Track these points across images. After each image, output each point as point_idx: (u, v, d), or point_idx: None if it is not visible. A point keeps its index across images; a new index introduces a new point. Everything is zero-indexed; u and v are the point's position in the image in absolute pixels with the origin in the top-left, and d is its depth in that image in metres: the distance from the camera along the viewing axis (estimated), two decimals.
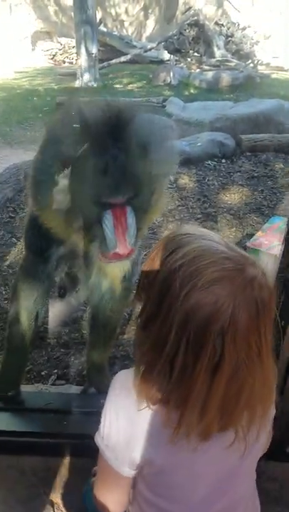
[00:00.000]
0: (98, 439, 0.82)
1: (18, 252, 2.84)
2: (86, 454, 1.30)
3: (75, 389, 1.77)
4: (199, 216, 3.20)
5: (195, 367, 0.64)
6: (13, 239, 2.98)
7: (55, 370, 2.02)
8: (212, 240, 0.68)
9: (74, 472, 1.32)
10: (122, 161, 1.05)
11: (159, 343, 0.67)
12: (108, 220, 1.08)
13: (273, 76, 9.06)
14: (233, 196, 3.44)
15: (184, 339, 0.63)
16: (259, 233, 2.15)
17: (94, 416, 1.32)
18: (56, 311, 2.35)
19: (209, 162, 3.98)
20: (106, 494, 0.85)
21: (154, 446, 0.75)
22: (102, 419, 0.81)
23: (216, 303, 0.62)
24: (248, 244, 2.10)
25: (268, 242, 1.99)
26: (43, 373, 2.02)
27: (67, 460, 1.33)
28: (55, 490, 1.25)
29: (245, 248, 2.41)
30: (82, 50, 8.57)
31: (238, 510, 0.85)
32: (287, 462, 1.31)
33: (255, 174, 3.75)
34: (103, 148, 1.05)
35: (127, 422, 0.76)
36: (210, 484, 0.80)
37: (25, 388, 1.79)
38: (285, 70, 9.91)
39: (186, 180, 3.69)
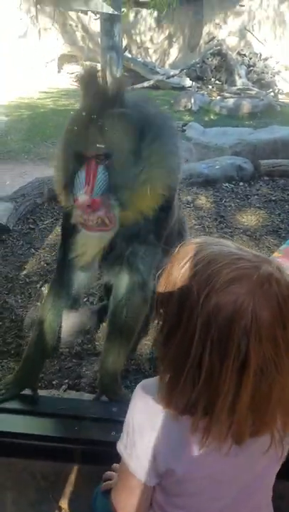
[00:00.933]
0: (121, 448, 0.81)
1: (35, 262, 2.89)
2: (95, 460, 1.30)
3: (87, 396, 1.77)
4: (216, 236, 3.22)
5: (222, 368, 0.63)
6: (32, 249, 3.04)
7: (66, 380, 2.03)
8: (223, 245, 0.70)
9: (82, 479, 1.31)
10: (101, 123, 1.25)
11: (183, 351, 0.66)
12: (81, 170, 1.27)
13: None
14: (250, 218, 3.46)
15: (208, 342, 0.63)
16: (276, 254, 2.16)
17: (105, 423, 1.33)
18: (70, 321, 2.38)
19: (227, 184, 4.02)
20: (126, 501, 0.84)
21: (178, 455, 0.74)
22: (124, 428, 0.80)
23: (236, 301, 0.62)
24: None
25: (284, 263, 1.99)
26: (54, 382, 2.02)
27: (76, 466, 1.33)
28: (63, 495, 1.24)
29: None
30: (107, 74, 8.82)
31: None
32: None
33: (273, 198, 3.77)
34: (91, 111, 1.27)
35: (152, 432, 0.75)
36: (231, 493, 0.78)
37: (39, 393, 1.80)
38: None
39: (203, 201, 3.73)
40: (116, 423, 1.30)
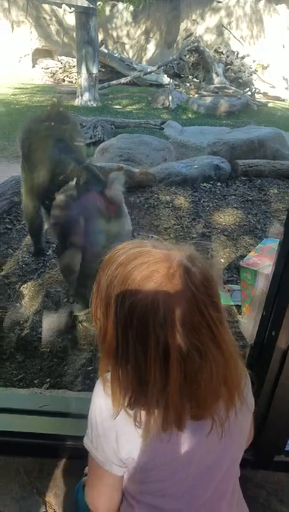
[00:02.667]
0: (87, 442, 0.85)
1: (13, 262, 2.88)
2: (78, 455, 1.33)
3: (69, 393, 1.80)
4: (194, 236, 3.28)
5: (146, 360, 0.67)
6: (10, 250, 3.03)
7: (48, 379, 2.05)
8: (139, 246, 0.74)
9: (67, 473, 1.35)
10: None
11: (112, 349, 0.72)
12: None
13: (270, 105, 9.34)
14: (228, 218, 3.53)
15: (130, 340, 0.68)
16: (252, 253, 2.22)
17: (86, 419, 1.37)
18: (50, 321, 2.40)
19: (205, 184, 4.09)
20: (98, 493, 0.89)
21: (135, 445, 0.78)
22: (88, 422, 0.84)
23: (147, 298, 0.66)
24: (241, 263, 2.17)
25: (260, 262, 2.06)
26: (35, 381, 2.05)
27: (60, 461, 1.36)
28: (48, 490, 1.27)
29: (238, 267, 2.48)
30: (83, 69, 8.74)
31: (221, 505, 0.87)
32: (274, 471, 1.35)
33: (250, 198, 3.86)
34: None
35: (109, 425, 0.79)
36: (193, 476, 0.83)
37: (21, 391, 1.82)
38: (282, 100, 10.24)
39: (182, 201, 3.79)
40: None
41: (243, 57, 10.90)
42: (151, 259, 0.69)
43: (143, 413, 0.74)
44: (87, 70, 8.73)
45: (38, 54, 12.21)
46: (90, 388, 1.99)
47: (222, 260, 2.95)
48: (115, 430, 0.79)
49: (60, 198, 2.13)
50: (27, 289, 2.62)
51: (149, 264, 0.68)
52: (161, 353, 0.66)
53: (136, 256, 0.70)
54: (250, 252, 2.48)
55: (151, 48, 13.70)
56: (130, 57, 12.86)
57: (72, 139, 2.26)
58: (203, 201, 3.80)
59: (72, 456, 1.35)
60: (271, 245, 2.22)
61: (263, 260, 2.07)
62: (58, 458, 1.36)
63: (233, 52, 11.06)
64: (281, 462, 1.37)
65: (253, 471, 1.32)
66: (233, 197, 3.88)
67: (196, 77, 10.36)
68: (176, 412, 0.72)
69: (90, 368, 2.14)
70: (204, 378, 0.70)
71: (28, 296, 2.56)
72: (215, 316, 0.68)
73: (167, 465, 0.81)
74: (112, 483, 0.86)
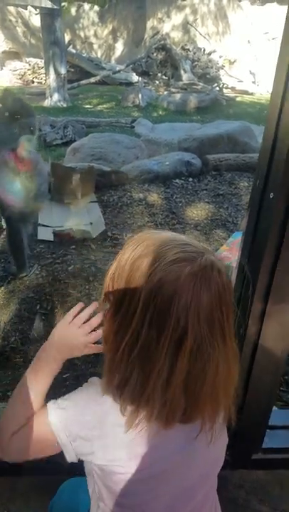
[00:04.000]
0: (51, 405, 0.78)
1: None
2: (50, 472, 1.28)
3: None
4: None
5: (158, 342, 0.65)
6: None
7: None
8: (174, 234, 0.72)
9: (39, 491, 1.30)
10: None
11: (124, 326, 0.68)
12: None
13: (238, 99, 9.42)
14: (200, 213, 3.53)
15: (148, 316, 0.65)
16: (223, 247, 2.22)
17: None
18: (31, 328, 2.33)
19: (177, 180, 4.08)
20: (25, 446, 0.79)
21: (113, 442, 0.73)
22: (67, 397, 0.79)
23: (179, 279, 0.64)
24: None
25: (231, 255, 2.05)
26: (8, 393, 1.98)
27: (32, 479, 1.31)
28: (20, 509, 1.22)
29: None
30: (51, 70, 8.64)
31: None
32: (252, 469, 1.33)
33: (221, 192, 3.87)
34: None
35: (92, 414, 0.74)
36: (173, 486, 0.78)
37: None
38: (250, 94, 10.34)
39: (154, 198, 3.76)
40: None
41: (209, 54, 10.96)
42: (188, 247, 0.68)
43: (132, 404, 0.69)
44: (56, 70, 8.62)
45: (6, 56, 12.02)
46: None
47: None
48: (97, 422, 0.73)
49: None
50: None
51: (184, 249, 0.67)
52: (176, 338, 0.64)
53: (172, 240, 0.69)
54: (222, 245, 2.47)
55: (119, 47, 13.66)
56: (99, 56, 12.79)
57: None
58: (176, 197, 3.78)
59: (47, 473, 1.30)
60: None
61: (234, 254, 2.07)
62: (31, 476, 1.30)
63: (200, 48, 11.12)
64: (259, 460, 1.35)
65: (232, 471, 1.30)
66: (205, 192, 3.88)
67: (165, 75, 10.36)
68: (171, 406, 0.69)
69: (66, 375, 2.09)
70: (208, 377, 0.68)
71: None
72: (230, 321, 0.69)
73: (145, 472, 0.75)
74: (47, 446, 0.77)
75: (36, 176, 2.45)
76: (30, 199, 2.44)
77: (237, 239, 2.25)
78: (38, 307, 2.47)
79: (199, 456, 0.78)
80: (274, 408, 1.38)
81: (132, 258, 0.68)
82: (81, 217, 3.33)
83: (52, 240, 3.08)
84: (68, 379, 2.04)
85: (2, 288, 2.60)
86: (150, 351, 0.66)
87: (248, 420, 1.22)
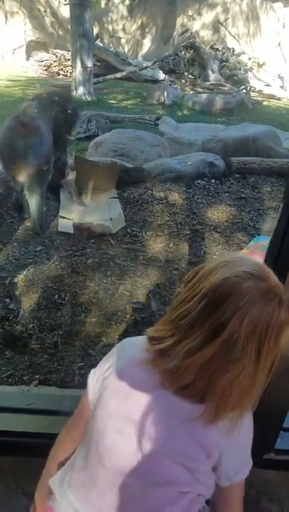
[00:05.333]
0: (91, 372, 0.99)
1: (3, 257, 2.85)
2: None
3: (58, 390, 1.78)
4: (187, 232, 3.27)
5: (205, 320, 0.76)
6: None
7: (37, 376, 2.03)
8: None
9: None
10: None
11: (185, 301, 0.80)
12: None
13: (265, 103, 9.33)
14: (221, 215, 3.52)
15: (205, 299, 0.76)
16: (244, 250, 2.22)
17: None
18: None
19: (199, 181, 4.07)
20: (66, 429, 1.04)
21: (125, 354, 0.90)
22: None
23: (242, 284, 0.75)
24: None
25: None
26: (24, 378, 2.03)
27: (43, 460, 1.34)
28: (32, 488, 1.25)
29: None
30: (78, 62, 8.63)
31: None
32: (263, 469, 1.35)
33: (243, 195, 3.85)
34: None
35: (118, 352, 0.93)
36: (134, 435, 0.83)
37: (8, 389, 1.79)
38: (277, 99, 10.23)
39: (175, 197, 3.77)
40: None
41: (238, 55, 10.87)
42: (267, 274, 0.78)
43: (159, 349, 0.82)
44: (82, 63, 8.62)
45: (33, 46, 12.05)
46: (80, 385, 1.98)
47: (215, 257, 2.94)
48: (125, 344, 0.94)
49: None
50: (17, 284, 2.59)
51: (263, 272, 0.78)
52: (215, 327, 0.75)
53: (256, 264, 0.81)
54: (242, 249, 2.47)
55: (146, 43, 13.61)
56: (126, 51, 12.77)
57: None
58: (197, 198, 3.78)
59: None
60: (263, 243, 2.22)
61: (254, 258, 2.06)
62: (44, 457, 1.33)
63: (229, 49, 11.02)
64: (270, 460, 1.36)
65: None
66: (227, 194, 3.87)
67: (192, 74, 10.31)
68: (179, 373, 0.78)
69: (81, 364, 2.12)
70: (227, 375, 0.76)
71: (18, 292, 2.53)
72: (270, 344, 0.76)
73: (122, 414, 0.85)
74: (79, 410, 1.00)
75: (33, 138, 2.90)
76: (28, 157, 2.88)
77: (258, 243, 2.25)
78: (56, 297, 2.51)
79: (176, 430, 0.83)
80: None
81: (221, 260, 0.81)
82: (102, 212, 3.36)
83: (72, 232, 3.12)
84: (83, 368, 2.08)
85: (22, 276, 2.65)
86: (195, 326, 0.77)
87: (262, 421, 1.23)
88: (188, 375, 0.78)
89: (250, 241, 2.77)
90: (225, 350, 0.75)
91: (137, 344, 0.90)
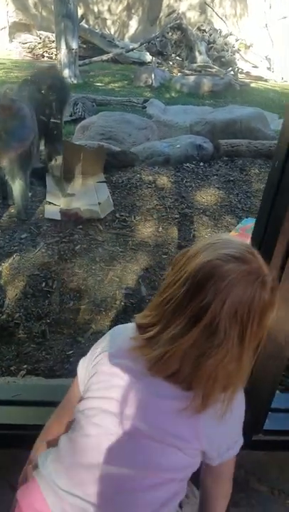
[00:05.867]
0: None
1: None
2: None
3: (44, 381, 1.75)
4: (176, 216, 3.22)
5: (187, 305, 0.75)
6: None
7: (25, 366, 1.99)
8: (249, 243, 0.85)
9: None
10: None
11: (169, 284, 0.79)
12: None
13: (253, 85, 9.22)
14: (210, 198, 3.48)
15: (188, 283, 0.75)
16: (232, 233, 2.19)
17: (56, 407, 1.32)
18: None
19: (188, 164, 4.01)
20: (55, 414, 1.04)
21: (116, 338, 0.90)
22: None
23: (223, 267, 0.73)
24: None
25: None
26: (12, 368, 1.99)
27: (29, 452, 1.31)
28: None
29: None
30: (62, 44, 8.41)
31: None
32: (252, 450, 1.34)
33: (232, 178, 3.81)
34: None
35: (107, 337, 0.93)
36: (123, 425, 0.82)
37: None
38: (264, 80, 10.11)
39: (164, 181, 3.71)
40: None
41: (226, 36, 10.68)
42: (250, 256, 0.75)
43: (146, 336, 0.81)
44: (67, 45, 8.41)
45: (16, 28, 11.69)
46: (69, 373, 1.94)
47: (202, 239, 2.90)
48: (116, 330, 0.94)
49: None
50: (1, 273, 2.53)
51: (246, 254, 0.75)
52: (196, 311, 0.73)
53: (238, 243, 0.79)
54: (230, 231, 2.44)
55: (133, 25, 13.31)
56: (112, 33, 12.49)
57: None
58: (186, 181, 3.73)
59: None
60: (251, 224, 2.18)
61: (242, 240, 2.03)
62: (30, 449, 1.31)
63: (216, 30, 10.83)
64: (259, 441, 1.36)
65: None
66: (215, 177, 3.82)
67: (179, 56, 10.13)
68: (164, 359, 0.77)
69: (70, 352, 2.09)
70: (211, 360, 0.74)
71: (3, 281, 2.47)
72: (253, 327, 0.74)
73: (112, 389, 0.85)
74: (68, 396, 1.01)
75: (13, 121, 2.85)
76: (8, 141, 2.84)
77: (246, 225, 2.22)
78: (43, 285, 2.46)
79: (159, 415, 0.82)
80: (277, 391, 1.38)
81: (205, 242, 0.79)
82: (89, 197, 3.29)
83: (59, 218, 3.05)
84: (72, 356, 2.05)
85: (7, 264, 2.59)
86: (178, 311, 0.76)
87: (251, 402, 1.21)
88: (173, 362, 0.77)
89: (238, 223, 2.73)
90: (206, 335, 0.74)
91: (125, 332, 0.89)
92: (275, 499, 1.41)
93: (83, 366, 0.96)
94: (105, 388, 0.86)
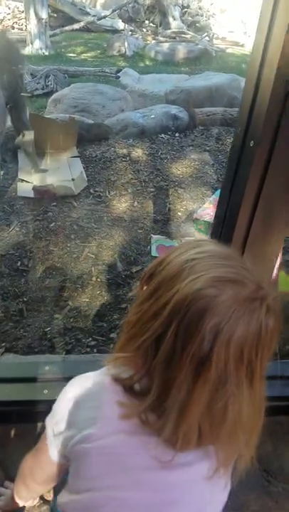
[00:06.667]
0: (47, 418, 0.77)
1: None
2: (30, 419, 1.32)
3: (18, 358, 1.77)
4: (152, 190, 3.20)
5: (182, 354, 0.59)
6: None
7: (3, 344, 2.00)
8: (234, 252, 0.70)
9: (19, 438, 1.33)
10: None
11: (148, 318, 0.63)
12: None
13: (229, 51, 9.03)
14: (185, 170, 3.45)
15: (175, 321, 0.59)
16: (206, 205, 2.18)
17: (35, 382, 1.35)
18: None
19: (163, 135, 3.96)
20: (30, 467, 0.87)
21: (96, 418, 0.68)
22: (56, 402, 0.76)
23: (218, 297, 0.58)
24: (195, 215, 2.12)
25: (213, 213, 2.02)
26: None
27: (11, 427, 1.34)
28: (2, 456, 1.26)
29: (192, 220, 2.44)
30: (32, 14, 8.08)
31: None
32: None
33: (207, 148, 3.78)
34: None
35: (80, 397, 0.71)
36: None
37: None
38: (241, 45, 9.91)
39: (139, 153, 3.66)
40: (47, 382, 1.32)
41: (200, 0, 10.37)
42: (244, 271, 0.62)
43: (148, 396, 0.63)
44: (36, 14, 8.06)
45: None
46: (47, 350, 1.97)
47: (179, 214, 2.90)
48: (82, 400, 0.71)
49: None
50: None
51: (239, 272, 0.61)
52: (197, 360, 0.58)
53: (231, 256, 0.64)
54: (205, 203, 2.43)
55: None
56: (83, 1, 11.99)
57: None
58: (161, 153, 3.69)
59: (25, 420, 1.32)
60: None
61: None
62: (8, 424, 1.33)
63: None
64: None
65: None
66: (191, 148, 3.78)
67: (153, 22, 9.81)
68: (185, 427, 0.62)
69: (48, 329, 2.10)
70: (228, 418, 0.62)
71: None
72: (263, 363, 0.62)
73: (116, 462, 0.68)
74: (40, 458, 0.81)
75: None
76: None
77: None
78: (18, 264, 2.44)
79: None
80: None
81: (186, 258, 0.62)
82: (63, 172, 3.24)
83: (32, 196, 3.00)
84: (50, 333, 2.06)
85: None
86: (172, 362, 0.60)
87: None
88: (191, 432, 0.63)
89: (212, 195, 2.73)
90: (215, 388, 0.60)
91: (99, 391, 0.70)
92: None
93: (52, 435, 0.76)
94: (119, 488, 0.68)
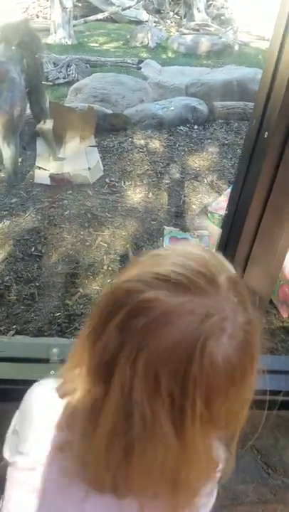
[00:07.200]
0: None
1: None
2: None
3: (28, 339, 1.80)
4: (167, 181, 3.20)
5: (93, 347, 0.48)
6: None
7: (14, 326, 2.04)
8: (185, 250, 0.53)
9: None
10: None
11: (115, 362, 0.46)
12: None
13: (253, 44, 8.90)
14: (202, 163, 3.44)
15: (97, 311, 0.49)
16: (221, 198, 2.18)
17: (41, 363, 1.37)
18: None
19: (181, 127, 3.94)
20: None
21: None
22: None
23: (143, 293, 0.45)
24: (209, 208, 2.12)
25: None
26: (1, 328, 2.04)
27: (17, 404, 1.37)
28: (3, 432, 1.29)
29: (207, 213, 2.44)
30: (56, 3, 8.08)
31: None
32: None
33: (226, 142, 3.75)
34: None
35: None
36: None
37: None
38: (266, 40, 9.75)
39: (156, 145, 3.65)
40: (55, 363, 1.34)
41: None
42: (199, 282, 0.45)
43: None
44: (61, 3, 8.07)
45: None
46: (56, 334, 2.00)
47: (194, 207, 2.89)
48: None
49: None
50: None
51: (198, 279, 0.45)
52: (104, 360, 0.46)
53: (185, 251, 0.49)
54: (220, 196, 2.42)
55: None
56: None
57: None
58: (179, 145, 3.68)
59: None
60: None
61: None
62: (10, 402, 1.36)
63: None
64: None
65: None
66: (209, 141, 3.76)
67: (177, 14, 9.72)
68: (95, 464, 0.50)
69: (58, 313, 2.13)
70: (136, 459, 0.47)
71: None
72: (195, 406, 0.44)
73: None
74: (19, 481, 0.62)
75: (2, 84, 2.84)
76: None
77: None
78: (32, 249, 2.48)
79: None
80: None
81: (127, 280, 0.48)
82: (79, 161, 3.25)
83: (48, 183, 3.03)
84: (60, 317, 2.09)
85: None
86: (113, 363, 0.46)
87: None
88: (101, 468, 0.50)
89: (228, 188, 2.71)
90: (118, 416, 0.46)
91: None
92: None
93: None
94: None
